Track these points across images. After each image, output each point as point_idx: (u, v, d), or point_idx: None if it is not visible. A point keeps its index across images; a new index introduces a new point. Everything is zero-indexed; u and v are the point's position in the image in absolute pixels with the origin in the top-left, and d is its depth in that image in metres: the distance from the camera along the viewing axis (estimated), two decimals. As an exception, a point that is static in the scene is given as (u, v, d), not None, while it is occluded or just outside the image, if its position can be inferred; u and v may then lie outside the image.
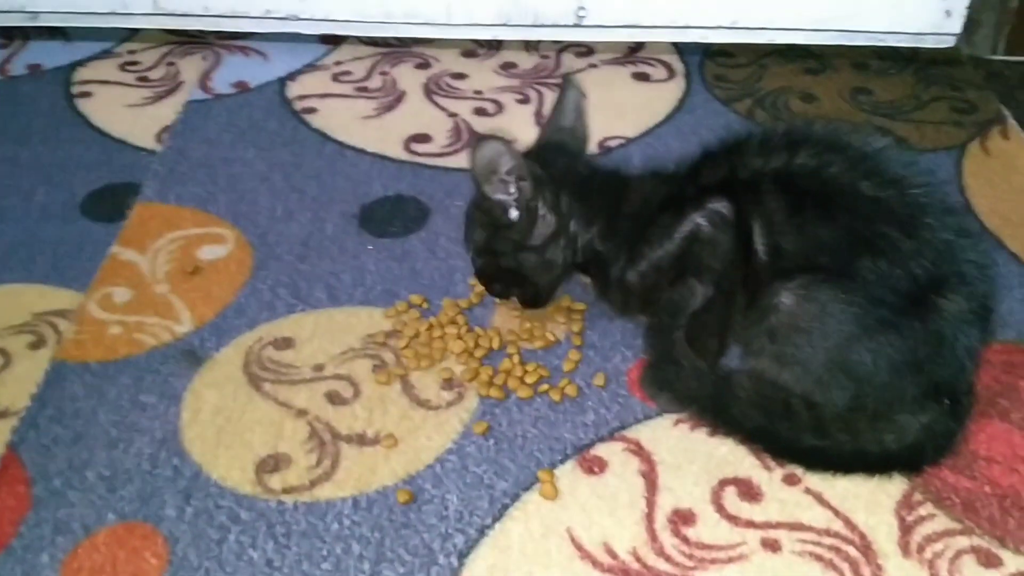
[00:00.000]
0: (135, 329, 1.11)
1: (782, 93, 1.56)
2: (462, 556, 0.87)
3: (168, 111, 1.51)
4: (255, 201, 1.31)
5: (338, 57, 1.66)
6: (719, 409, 0.95)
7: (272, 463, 0.96)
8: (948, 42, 1.63)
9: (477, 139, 0.95)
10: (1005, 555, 0.86)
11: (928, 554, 0.87)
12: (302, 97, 1.54)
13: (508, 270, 1.03)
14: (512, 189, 0.98)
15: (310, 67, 1.63)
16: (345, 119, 1.49)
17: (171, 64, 1.64)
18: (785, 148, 0.92)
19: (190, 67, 1.63)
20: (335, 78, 1.60)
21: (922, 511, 0.90)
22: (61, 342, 1.09)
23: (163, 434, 0.99)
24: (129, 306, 1.14)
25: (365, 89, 1.57)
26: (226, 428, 0.99)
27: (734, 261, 0.93)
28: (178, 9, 1.63)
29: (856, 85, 1.59)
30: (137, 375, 1.05)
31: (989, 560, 0.86)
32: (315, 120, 1.49)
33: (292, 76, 1.60)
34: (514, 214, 0.99)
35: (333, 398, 1.03)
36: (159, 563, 0.87)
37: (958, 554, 0.86)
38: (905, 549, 0.87)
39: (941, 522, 0.89)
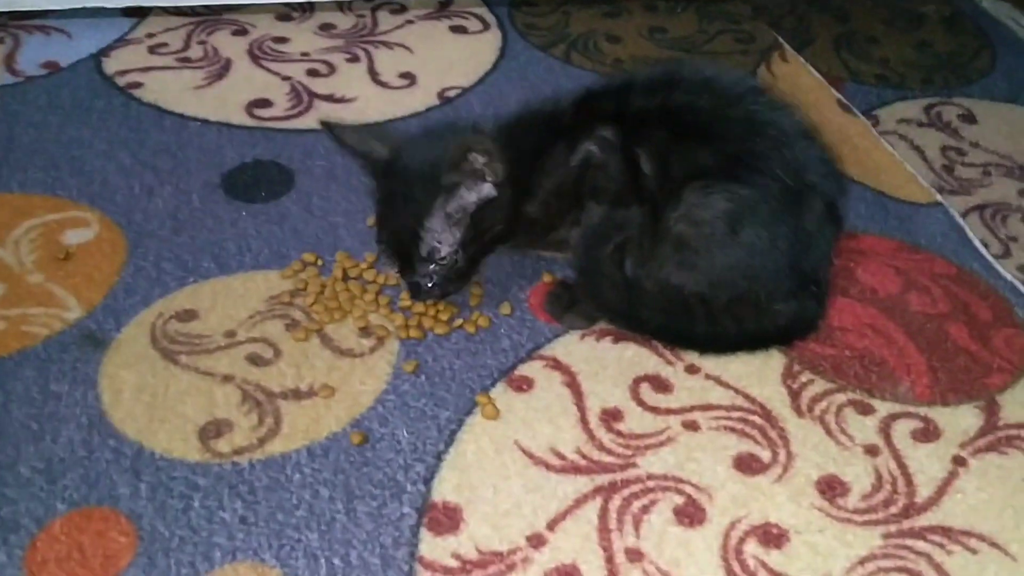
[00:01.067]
0: (20, 322, 1.07)
1: (590, 36, 1.68)
2: (427, 481, 0.93)
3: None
4: (107, 181, 1.27)
5: (148, 29, 1.60)
6: (630, 315, 1.06)
7: (214, 429, 0.97)
8: (721, -19, 1.82)
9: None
10: (876, 403, 1.03)
11: (817, 412, 1.02)
12: (123, 72, 1.49)
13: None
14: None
15: (121, 42, 1.57)
16: (176, 91, 1.46)
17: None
18: (663, 88, 1.04)
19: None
20: (152, 51, 1.55)
21: (803, 378, 1.06)
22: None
23: (89, 419, 0.97)
24: (5, 300, 1.09)
25: (188, 60, 1.54)
26: (155, 404, 0.99)
27: (625, 182, 1.03)
28: (-37, -11, 1.51)
29: (652, 24, 1.74)
30: (40, 366, 1.02)
31: (865, 409, 1.03)
32: (144, 94, 1.44)
33: (105, 52, 1.53)
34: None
35: (255, 360, 1.04)
36: (128, 540, 0.86)
37: (840, 408, 1.03)
38: (798, 411, 1.02)
39: (820, 385, 1.05)
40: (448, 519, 0.90)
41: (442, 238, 1.04)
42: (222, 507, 0.90)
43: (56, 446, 0.94)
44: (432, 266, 1.05)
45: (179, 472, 0.93)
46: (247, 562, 0.85)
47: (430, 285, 1.06)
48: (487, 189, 1.04)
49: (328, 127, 1.08)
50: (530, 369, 1.05)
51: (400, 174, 1.05)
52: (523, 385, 1.03)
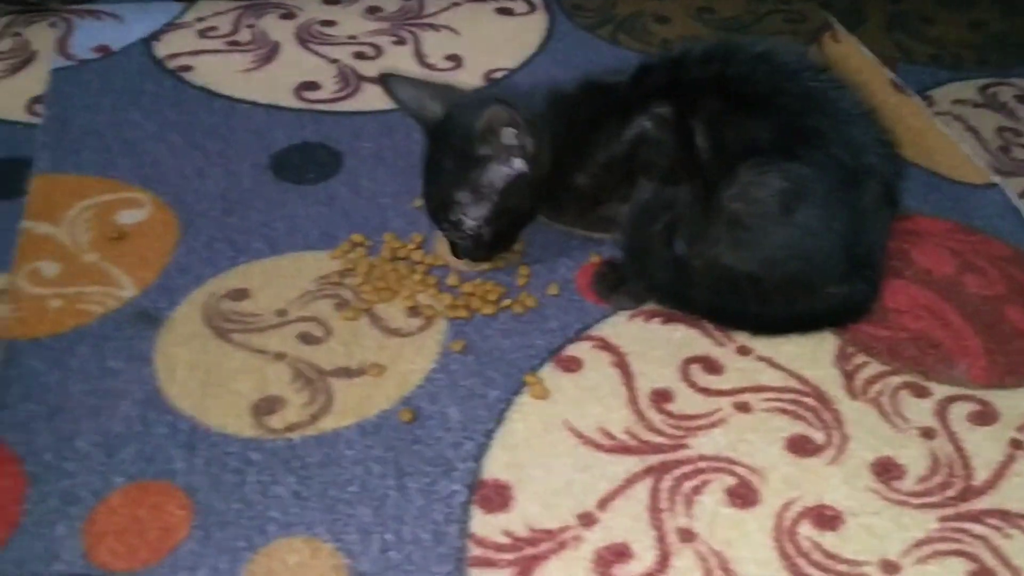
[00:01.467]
0: (76, 300, 1.08)
1: (638, 17, 1.67)
2: (477, 459, 0.93)
3: (31, 82, 1.44)
4: (159, 163, 1.29)
5: (198, 14, 1.62)
6: (680, 294, 1.05)
7: (266, 406, 0.97)
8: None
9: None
10: (932, 386, 1.02)
11: (871, 394, 1.00)
12: (173, 56, 1.51)
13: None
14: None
15: (171, 26, 1.58)
16: (225, 74, 1.47)
17: (17, 34, 1.55)
18: (720, 59, 1.03)
19: (38, 35, 1.55)
20: (202, 35, 1.57)
21: (857, 360, 1.04)
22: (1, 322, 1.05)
23: (144, 395, 0.98)
24: (62, 278, 1.11)
25: (237, 43, 1.55)
26: (208, 381, 1.00)
27: (679, 158, 1.02)
28: (18, -26, 1.54)
29: (700, 5, 1.72)
30: (95, 343, 1.03)
31: (920, 392, 1.01)
32: (194, 77, 1.46)
33: (155, 36, 1.55)
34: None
35: (306, 338, 1.05)
36: (185, 513, 0.87)
37: (894, 390, 1.01)
38: (852, 393, 1.01)
39: (874, 367, 1.03)
40: (498, 497, 0.90)
41: (468, 211, 1.05)
42: (276, 482, 0.91)
43: (113, 421, 0.95)
44: (459, 232, 1.07)
45: (233, 447, 0.93)
46: (301, 536, 0.86)
47: (464, 246, 1.09)
48: (518, 164, 1.04)
49: (385, 80, 1.08)
50: (578, 349, 1.05)
51: (444, 137, 1.05)
52: (571, 365, 1.03)
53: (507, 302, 1.09)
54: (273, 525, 0.87)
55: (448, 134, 1.05)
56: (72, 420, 0.95)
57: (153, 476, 0.91)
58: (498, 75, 1.49)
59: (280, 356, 1.03)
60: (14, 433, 0.94)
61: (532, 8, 1.68)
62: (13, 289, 1.09)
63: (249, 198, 1.23)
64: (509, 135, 1.02)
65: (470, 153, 1.03)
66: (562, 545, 0.86)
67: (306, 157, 1.31)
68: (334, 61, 1.51)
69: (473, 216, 1.05)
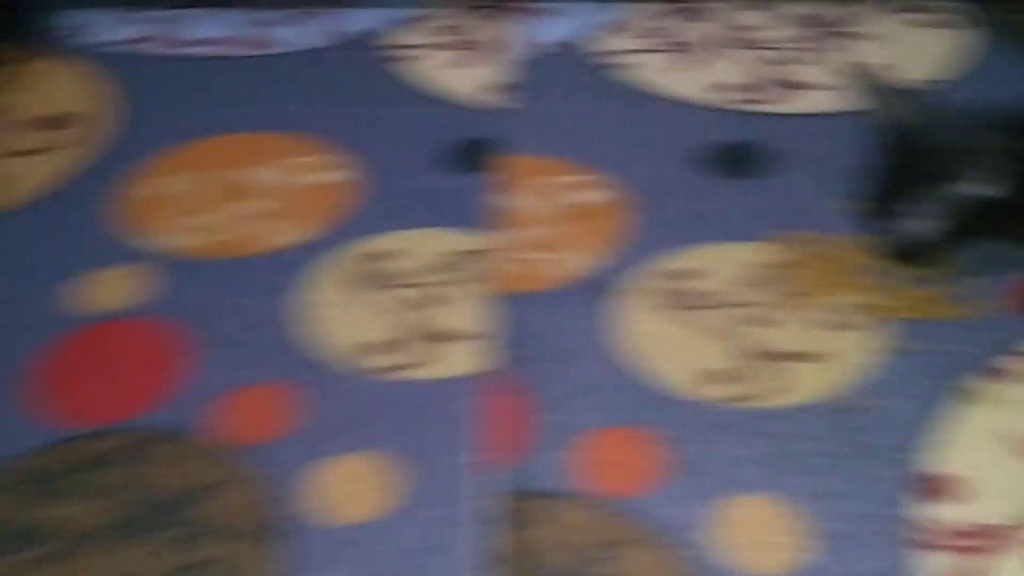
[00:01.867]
0: (547, 266, 1.26)
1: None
2: (919, 453, 1.01)
3: (492, 71, 1.65)
4: (608, 150, 1.44)
5: (633, 15, 1.77)
6: None
7: (718, 376, 1.10)
8: None
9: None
10: None
11: None
12: (615, 53, 1.66)
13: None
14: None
15: (611, 25, 1.74)
16: (660, 72, 1.60)
17: (477, 27, 1.77)
18: None
19: (496, 29, 1.76)
20: (641, 35, 1.71)
21: None
22: (482, 279, 1.25)
23: (617, 351, 1.14)
24: (532, 245, 1.29)
25: (673, 44, 1.68)
26: (667, 348, 1.14)
27: None
28: (487, -26, 1.76)
29: None
30: (564, 304, 1.20)
31: None
32: (631, 73, 1.61)
33: (598, 34, 1.71)
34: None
35: (754, 321, 1.16)
36: (666, 459, 1.03)
37: None
38: None
39: None
40: (942, 490, 0.98)
41: (921, 225, 1.09)
42: (740, 444, 1.04)
43: (587, 373, 1.12)
44: (905, 239, 1.11)
45: (701, 409, 1.07)
46: (760, 496, 0.99)
47: (907, 252, 1.13)
48: (991, 189, 1.07)
49: (857, 75, 1.15)
50: (1019, 363, 1.08)
51: (915, 146, 1.10)
52: (1010, 377, 1.07)
53: (949, 309, 1.14)
54: (734, 482, 1.00)
55: (921, 144, 1.10)
56: (569, 365, 1.13)
57: (635, 422, 1.07)
58: (935, 86, 1.51)
59: (728, 334, 1.15)
60: (521, 370, 1.13)
61: (960, 22, 1.68)
62: (491, 252, 1.28)
63: (688, 188, 1.36)
64: (991, 159, 1.06)
65: (946, 169, 1.07)
66: (1003, 543, 0.92)
67: (740, 154, 1.42)
68: (767, 64, 1.60)
69: (928, 228, 1.10)
